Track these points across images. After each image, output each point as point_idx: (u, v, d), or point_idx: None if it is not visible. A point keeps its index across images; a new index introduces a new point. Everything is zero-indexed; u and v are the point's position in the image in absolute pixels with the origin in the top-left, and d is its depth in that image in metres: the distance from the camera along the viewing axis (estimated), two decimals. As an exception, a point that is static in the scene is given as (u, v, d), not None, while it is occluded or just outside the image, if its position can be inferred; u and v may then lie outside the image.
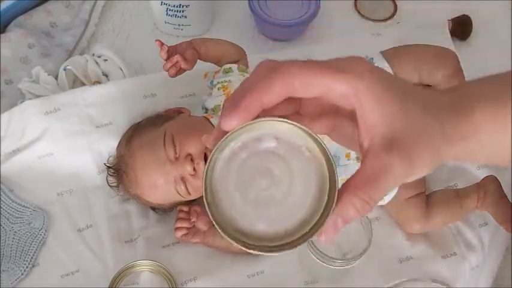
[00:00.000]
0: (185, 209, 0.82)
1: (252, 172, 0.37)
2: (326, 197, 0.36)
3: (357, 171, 0.35)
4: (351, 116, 0.36)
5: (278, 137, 0.37)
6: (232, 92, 0.81)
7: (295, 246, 0.36)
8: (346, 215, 0.35)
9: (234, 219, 0.36)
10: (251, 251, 0.36)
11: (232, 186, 0.37)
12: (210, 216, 0.35)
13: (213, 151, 0.37)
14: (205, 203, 0.36)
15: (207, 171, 0.36)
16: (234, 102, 0.36)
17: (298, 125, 0.36)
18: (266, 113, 0.35)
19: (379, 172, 0.34)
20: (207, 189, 0.36)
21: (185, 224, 0.81)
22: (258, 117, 0.35)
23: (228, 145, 0.37)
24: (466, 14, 1.10)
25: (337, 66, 0.35)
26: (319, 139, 0.36)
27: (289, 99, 0.36)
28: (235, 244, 0.35)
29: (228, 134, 0.36)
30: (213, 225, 0.35)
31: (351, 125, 0.37)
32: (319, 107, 0.38)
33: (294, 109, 0.38)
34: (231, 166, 0.37)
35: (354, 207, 0.34)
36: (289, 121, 0.35)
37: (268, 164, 0.37)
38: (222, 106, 0.38)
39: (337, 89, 0.35)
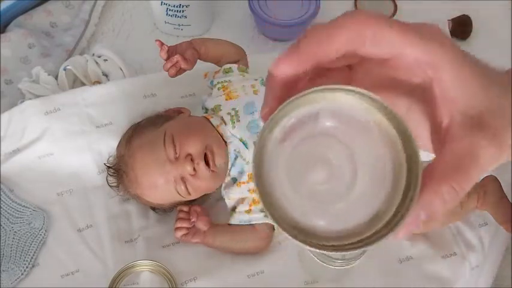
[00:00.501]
0: (185, 209, 0.82)
1: (305, 161, 0.31)
2: (403, 186, 0.30)
3: (441, 155, 0.30)
4: (408, 93, 0.32)
5: (339, 112, 0.30)
6: (232, 89, 0.82)
7: (366, 246, 0.30)
8: (431, 207, 0.29)
9: (288, 213, 0.30)
10: (311, 248, 0.30)
11: (284, 177, 0.31)
12: (263, 206, 0.30)
13: (262, 131, 0.30)
14: (258, 192, 0.30)
15: (256, 154, 0.30)
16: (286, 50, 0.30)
17: (370, 94, 0.29)
18: (310, 85, 0.30)
19: (467, 155, 0.29)
20: (257, 176, 0.30)
21: (185, 224, 0.81)
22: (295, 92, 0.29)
23: (278, 123, 0.30)
24: (466, 14, 1.10)
25: (416, 29, 0.30)
26: (394, 112, 0.29)
27: (340, 69, 0.31)
28: (291, 239, 0.30)
29: (279, 108, 0.29)
30: (267, 216, 0.30)
31: (407, 102, 0.32)
32: (376, 79, 0.32)
33: (345, 81, 0.32)
34: (282, 151, 0.31)
35: (441, 198, 0.29)
36: (357, 89, 0.29)
37: (325, 150, 0.31)
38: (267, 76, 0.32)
39: (412, 54, 0.29)
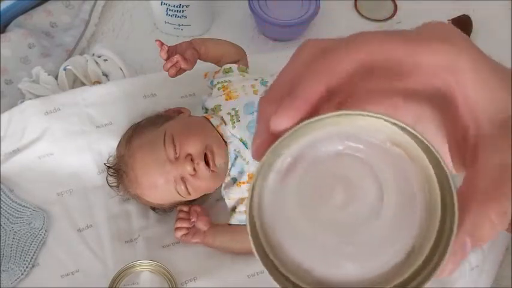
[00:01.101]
0: (185, 209, 0.82)
1: (319, 185, 0.26)
2: (439, 215, 0.25)
3: (474, 175, 0.26)
4: (419, 101, 0.29)
5: (358, 135, 0.26)
6: (232, 89, 0.82)
7: None
8: (479, 233, 0.25)
9: (301, 262, 0.25)
10: None
11: (294, 213, 0.25)
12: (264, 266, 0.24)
13: (257, 172, 0.25)
14: (254, 247, 0.24)
15: (250, 203, 0.25)
16: (279, 92, 0.27)
17: (386, 117, 0.24)
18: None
19: (505, 168, 0.25)
20: (255, 226, 0.25)
21: (185, 224, 0.81)
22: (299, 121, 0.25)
23: (280, 154, 0.25)
24: (466, 14, 1.10)
25: (425, 33, 0.27)
26: (416, 132, 0.25)
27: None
28: None
29: (276, 142, 0.25)
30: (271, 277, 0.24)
31: (418, 111, 0.29)
32: (384, 90, 0.28)
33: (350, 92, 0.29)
34: (287, 186, 0.25)
35: (490, 222, 0.25)
36: (371, 113, 0.24)
37: (343, 169, 0.26)
38: (257, 105, 0.29)
39: (428, 62, 0.26)
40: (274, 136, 0.26)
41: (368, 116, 0.24)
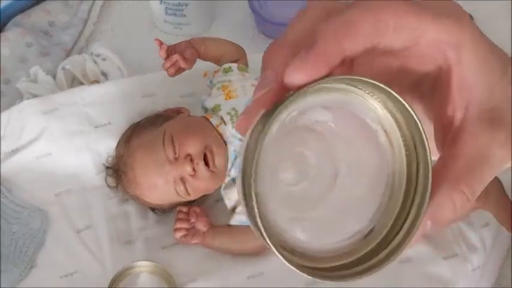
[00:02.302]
0: (184, 209, 0.82)
1: (281, 158, 0.26)
2: (402, 195, 0.26)
3: (451, 156, 0.26)
4: (412, 87, 0.28)
5: (340, 105, 0.26)
6: (232, 89, 0.82)
7: (369, 271, 0.26)
8: (440, 216, 0.25)
9: (275, 227, 0.25)
10: (305, 275, 0.25)
11: (268, 179, 0.25)
12: (258, 220, 0.23)
13: (263, 122, 0.24)
14: (244, 197, 0.24)
15: (248, 157, 0.24)
16: (292, 40, 0.26)
17: (388, 89, 0.24)
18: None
19: (481, 158, 0.26)
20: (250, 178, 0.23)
21: (184, 225, 0.80)
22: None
23: (278, 117, 0.24)
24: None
25: (432, 6, 0.26)
26: (410, 110, 0.25)
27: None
28: (286, 263, 0.24)
29: (283, 100, 0.24)
30: (261, 236, 0.24)
31: (408, 99, 0.27)
32: (379, 71, 0.28)
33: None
34: (273, 147, 0.25)
35: (452, 206, 0.25)
36: (374, 81, 0.24)
37: (302, 146, 0.26)
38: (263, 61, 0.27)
39: (433, 35, 0.25)
40: (282, 88, 0.24)
41: (368, 82, 0.24)
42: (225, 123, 0.81)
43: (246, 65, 0.89)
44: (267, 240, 0.23)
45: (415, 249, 0.83)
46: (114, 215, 0.86)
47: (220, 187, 0.82)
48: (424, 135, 0.25)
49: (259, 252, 0.82)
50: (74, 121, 0.90)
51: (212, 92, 0.86)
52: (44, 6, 1.07)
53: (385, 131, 0.26)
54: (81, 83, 0.97)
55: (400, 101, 0.25)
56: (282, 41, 0.26)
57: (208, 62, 0.89)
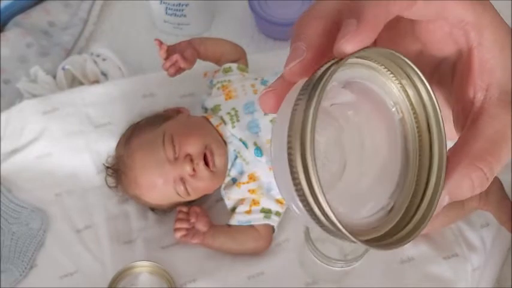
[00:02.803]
0: (184, 209, 0.81)
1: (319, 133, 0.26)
2: (415, 173, 0.27)
3: (470, 135, 0.27)
4: (431, 71, 0.29)
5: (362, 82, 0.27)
6: (231, 89, 0.82)
7: (397, 244, 0.27)
8: (458, 192, 0.27)
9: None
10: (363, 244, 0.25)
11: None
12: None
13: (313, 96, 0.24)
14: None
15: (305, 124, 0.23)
16: (326, 18, 0.26)
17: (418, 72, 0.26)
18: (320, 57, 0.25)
19: (501, 138, 0.26)
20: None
21: (184, 225, 0.80)
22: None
23: (327, 86, 0.24)
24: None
25: None
26: (432, 94, 0.26)
27: None
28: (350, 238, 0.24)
29: (327, 70, 0.24)
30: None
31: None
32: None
33: None
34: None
35: (471, 183, 0.26)
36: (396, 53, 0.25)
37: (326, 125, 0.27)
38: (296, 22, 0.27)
39: (458, 14, 0.26)
40: (315, 59, 0.25)
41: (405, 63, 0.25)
42: (225, 123, 0.81)
43: (246, 65, 0.89)
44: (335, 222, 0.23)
45: (415, 249, 0.83)
46: (114, 215, 0.86)
47: (220, 187, 0.82)
48: (440, 116, 0.27)
49: (259, 252, 0.82)
50: (74, 121, 0.89)
51: (212, 92, 0.86)
52: (44, 6, 1.07)
53: (401, 112, 0.28)
54: (81, 83, 0.97)
55: (421, 81, 0.26)
56: (313, 12, 0.26)
57: (208, 62, 0.89)
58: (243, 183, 0.80)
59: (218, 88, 0.85)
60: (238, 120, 0.80)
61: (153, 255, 0.81)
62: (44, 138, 0.88)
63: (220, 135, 0.80)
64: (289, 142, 0.24)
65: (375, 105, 0.28)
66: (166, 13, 1.04)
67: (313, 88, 0.24)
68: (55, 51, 1.02)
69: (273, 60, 0.98)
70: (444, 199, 0.27)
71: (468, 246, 0.83)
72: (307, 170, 0.23)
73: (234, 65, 0.87)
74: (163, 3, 1.02)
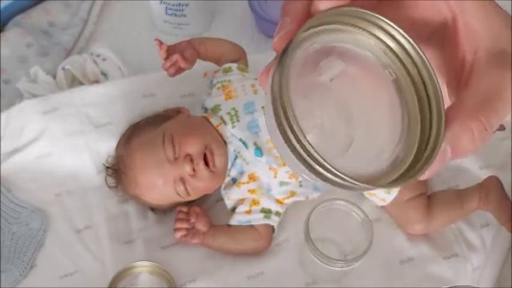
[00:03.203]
0: (184, 209, 0.81)
1: (308, 93, 0.29)
2: (418, 128, 0.29)
3: (465, 95, 0.29)
4: (426, 39, 0.31)
5: (355, 48, 0.30)
6: (231, 89, 0.81)
7: (399, 183, 0.29)
8: (459, 143, 0.28)
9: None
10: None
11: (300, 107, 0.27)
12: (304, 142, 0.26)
13: (288, 49, 0.27)
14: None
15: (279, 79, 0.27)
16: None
17: (402, 32, 0.28)
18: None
19: (494, 90, 0.28)
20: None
21: (184, 225, 0.80)
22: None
23: (301, 45, 0.28)
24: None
25: None
26: (419, 50, 0.29)
27: None
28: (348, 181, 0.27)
29: (309, 22, 0.28)
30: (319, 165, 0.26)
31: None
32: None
33: None
34: (296, 80, 0.28)
35: (470, 134, 0.28)
36: (390, 23, 0.28)
37: (325, 94, 0.30)
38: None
39: None
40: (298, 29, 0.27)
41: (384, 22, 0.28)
42: (225, 123, 0.81)
43: (246, 65, 0.89)
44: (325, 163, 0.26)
45: (415, 249, 0.83)
46: (114, 215, 0.86)
47: (220, 187, 0.82)
48: (431, 69, 0.29)
49: (259, 252, 0.82)
50: (74, 121, 0.89)
51: (212, 92, 0.86)
52: (44, 6, 1.07)
53: (395, 73, 0.30)
54: (81, 83, 0.97)
55: (408, 42, 0.29)
56: None
57: (208, 62, 0.89)
58: (243, 183, 0.80)
59: (218, 88, 0.85)
60: (238, 120, 0.80)
61: (153, 255, 0.81)
62: (44, 138, 0.88)
63: (220, 135, 0.80)
64: (272, 97, 0.27)
65: (369, 71, 0.30)
66: (166, 13, 1.04)
67: (285, 48, 0.27)
68: (55, 51, 1.02)
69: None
70: (447, 151, 0.28)
71: (468, 246, 0.83)
72: (286, 113, 0.26)
73: (234, 65, 0.87)
74: (163, 3, 1.02)
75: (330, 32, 0.29)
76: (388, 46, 0.30)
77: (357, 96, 0.31)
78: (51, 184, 0.87)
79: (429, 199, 0.84)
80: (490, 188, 0.81)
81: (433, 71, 0.29)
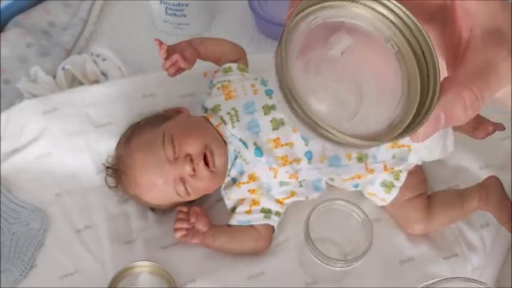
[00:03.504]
0: (184, 209, 0.81)
1: (316, 66, 0.33)
2: (418, 96, 0.32)
3: (460, 68, 0.32)
4: (428, 19, 0.33)
5: (359, 23, 0.33)
6: (231, 89, 0.81)
7: (394, 139, 0.32)
8: (451, 110, 0.31)
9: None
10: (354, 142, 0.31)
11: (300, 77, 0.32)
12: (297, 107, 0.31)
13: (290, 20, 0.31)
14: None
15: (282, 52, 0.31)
16: None
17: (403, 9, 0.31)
18: None
19: (487, 65, 0.31)
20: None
21: (184, 225, 0.80)
22: None
23: (305, 18, 0.32)
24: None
25: None
26: (418, 25, 0.32)
27: None
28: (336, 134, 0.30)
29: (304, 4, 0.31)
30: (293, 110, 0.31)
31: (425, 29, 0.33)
32: None
33: None
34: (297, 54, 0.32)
35: (463, 102, 0.31)
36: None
37: (332, 64, 0.33)
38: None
39: None
40: None
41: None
42: (225, 123, 0.81)
43: (246, 65, 0.89)
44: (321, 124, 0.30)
45: (415, 249, 0.83)
46: (114, 215, 0.86)
47: (220, 187, 0.82)
48: (430, 42, 0.31)
49: (259, 252, 0.82)
50: (74, 121, 0.89)
51: (212, 92, 0.86)
52: (44, 6, 1.07)
53: (397, 46, 0.33)
54: (81, 83, 0.97)
55: (408, 16, 0.31)
56: None
57: (208, 62, 0.89)
58: (243, 183, 0.80)
59: (218, 88, 0.85)
60: (238, 120, 0.80)
61: (153, 255, 0.81)
62: (44, 138, 0.88)
63: (220, 135, 0.80)
64: (275, 70, 0.31)
65: (373, 44, 0.33)
66: (166, 13, 1.04)
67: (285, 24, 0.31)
68: (55, 51, 1.02)
69: (273, 60, 0.98)
70: (440, 117, 0.31)
71: (468, 246, 0.83)
72: (286, 82, 0.30)
73: (234, 65, 0.87)
74: (163, 3, 1.02)
75: (332, 7, 0.32)
76: (390, 20, 0.32)
77: (363, 68, 0.34)
78: (51, 184, 0.87)
79: (429, 199, 0.84)
80: (490, 188, 0.81)
81: (432, 43, 0.31)
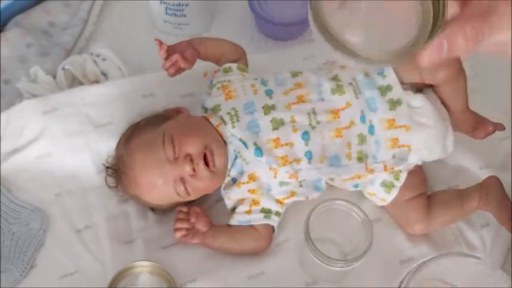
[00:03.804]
0: (184, 209, 0.81)
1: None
2: (429, 29, 0.38)
3: (465, 8, 0.37)
4: None
5: None
6: (231, 89, 0.82)
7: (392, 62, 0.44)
8: (454, 38, 0.36)
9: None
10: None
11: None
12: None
13: None
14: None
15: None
16: None
17: None
18: None
19: (491, 8, 0.36)
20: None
21: (184, 225, 0.80)
22: None
23: None
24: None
25: None
26: None
27: None
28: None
29: None
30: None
31: None
32: None
33: None
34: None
35: (463, 33, 0.36)
36: None
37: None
38: None
39: None
40: None
41: None
42: (225, 123, 0.81)
43: (246, 65, 0.89)
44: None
45: (415, 249, 0.83)
46: (114, 215, 0.86)
47: (220, 187, 0.82)
48: None
49: (259, 252, 0.82)
50: (74, 121, 0.89)
51: (212, 92, 0.86)
52: (44, 6, 1.07)
53: None
54: (81, 83, 0.97)
55: None
56: None
57: (208, 62, 0.89)
58: (243, 183, 0.80)
59: (218, 88, 0.85)
60: (238, 120, 0.80)
61: (153, 255, 0.81)
62: (44, 138, 0.88)
63: (220, 135, 0.80)
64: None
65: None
66: (166, 13, 1.04)
67: None
68: (55, 51, 1.02)
69: (273, 60, 0.98)
70: (444, 44, 0.37)
71: (468, 246, 0.83)
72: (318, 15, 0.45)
73: (234, 65, 0.87)
74: (163, 3, 1.02)
75: None
76: None
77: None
78: (51, 184, 0.87)
79: (429, 199, 0.84)
80: (490, 188, 0.81)
81: None
